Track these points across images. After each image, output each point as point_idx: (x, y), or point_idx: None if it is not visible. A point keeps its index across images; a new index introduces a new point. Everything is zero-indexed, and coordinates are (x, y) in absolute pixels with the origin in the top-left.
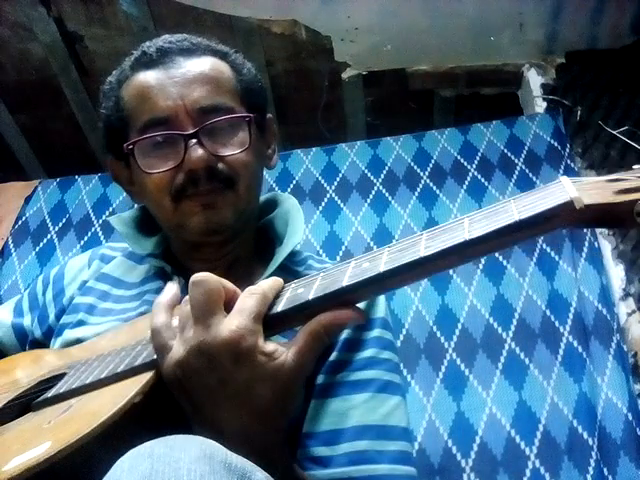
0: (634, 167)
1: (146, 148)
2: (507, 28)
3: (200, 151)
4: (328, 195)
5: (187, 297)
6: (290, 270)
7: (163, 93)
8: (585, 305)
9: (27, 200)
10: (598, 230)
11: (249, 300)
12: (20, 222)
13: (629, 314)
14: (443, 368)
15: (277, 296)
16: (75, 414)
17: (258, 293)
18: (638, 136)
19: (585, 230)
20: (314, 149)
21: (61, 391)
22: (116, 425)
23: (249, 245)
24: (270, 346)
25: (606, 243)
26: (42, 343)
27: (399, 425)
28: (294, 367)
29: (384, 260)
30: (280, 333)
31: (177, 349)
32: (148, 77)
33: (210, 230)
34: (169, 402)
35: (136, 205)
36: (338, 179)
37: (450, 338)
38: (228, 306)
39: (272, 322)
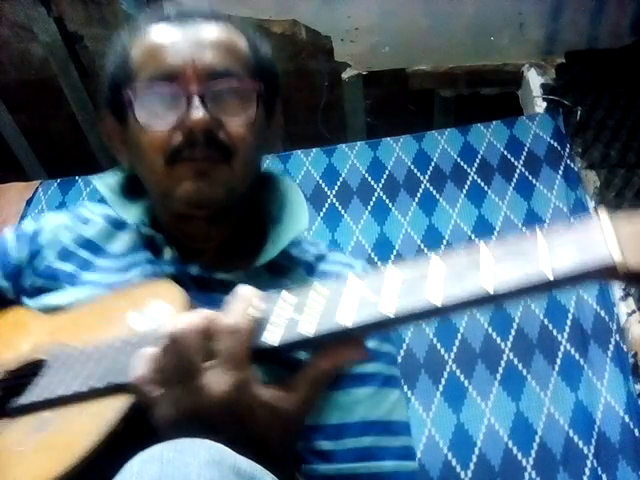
0: None
1: (147, 102)
2: (507, 28)
3: (203, 112)
4: (329, 200)
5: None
6: (285, 254)
7: (174, 49)
8: (584, 309)
9: (28, 202)
10: None
11: (232, 343)
12: None
13: (629, 314)
14: (443, 380)
15: (271, 320)
16: (51, 440)
17: (239, 332)
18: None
19: None
20: (314, 150)
21: (36, 400)
22: (96, 454)
23: (242, 227)
24: (268, 394)
25: None
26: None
27: (401, 420)
28: (295, 413)
29: (394, 297)
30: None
31: (168, 409)
32: (162, 32)
33: (198, 201)
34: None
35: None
36: (339, 183)
37: (450, 349)
38: (215, 337)
39: (267, 354)
